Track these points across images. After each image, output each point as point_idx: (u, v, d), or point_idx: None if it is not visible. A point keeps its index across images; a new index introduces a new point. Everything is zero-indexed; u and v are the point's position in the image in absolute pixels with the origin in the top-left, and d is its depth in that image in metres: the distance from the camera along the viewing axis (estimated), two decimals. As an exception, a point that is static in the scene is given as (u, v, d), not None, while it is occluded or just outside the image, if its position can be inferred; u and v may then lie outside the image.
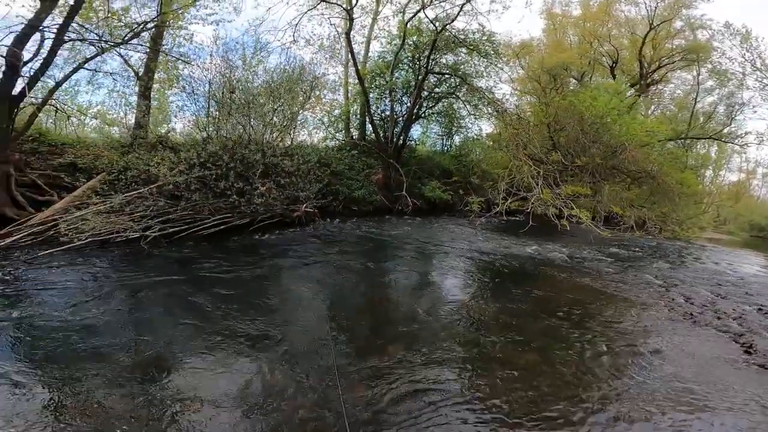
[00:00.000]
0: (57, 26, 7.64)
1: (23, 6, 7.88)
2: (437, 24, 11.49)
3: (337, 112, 13.52)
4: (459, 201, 11.96)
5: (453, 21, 11.45)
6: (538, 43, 17.49)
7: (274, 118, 9.79)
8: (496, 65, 13.12)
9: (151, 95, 10.74)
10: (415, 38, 12.50)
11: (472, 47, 12.25)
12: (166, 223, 6.64)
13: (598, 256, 7.51)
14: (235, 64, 10.09)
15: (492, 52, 12.46)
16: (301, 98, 11.02)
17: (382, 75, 13.25)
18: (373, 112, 12.98)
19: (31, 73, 7.42)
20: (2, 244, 5.46)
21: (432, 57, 11.99)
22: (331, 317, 4.08)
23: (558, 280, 5.88)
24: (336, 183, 10.29)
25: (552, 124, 12.97)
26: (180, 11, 10.76)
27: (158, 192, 6.86)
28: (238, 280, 4.95)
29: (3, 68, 7.25)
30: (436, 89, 13.70)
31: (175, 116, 10.96)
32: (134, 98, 11.53)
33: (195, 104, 10.05)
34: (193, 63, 10.37)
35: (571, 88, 16.03)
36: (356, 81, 12.22)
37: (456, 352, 3.35)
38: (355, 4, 12.05)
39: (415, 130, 16.25)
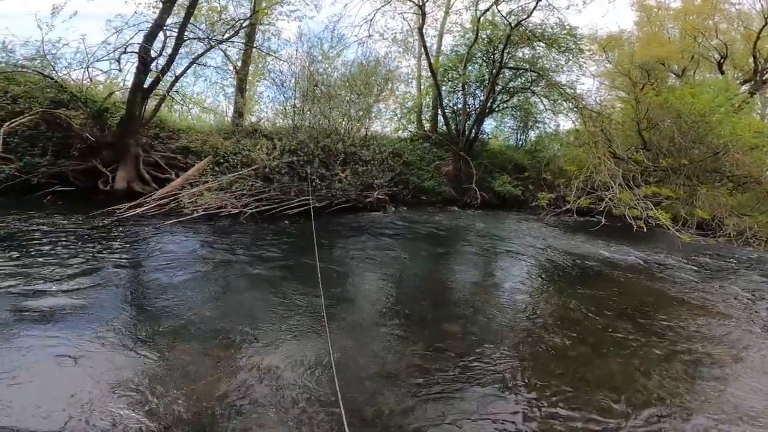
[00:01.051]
0: (177, 26, 8.91)
1: (146, 6, 9.17)
2: (512, 18, 11.20)
3: (409, 104, 13.82)
4: (530, 197, 11.67)
5: (528, 17, 11.09)
6: (629, 36, 16.09)
7: (352, 109, 10.39)
8: (577, 59, 12.43)
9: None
10: (488, 32, 12.29)
11: (550, 41, 11.75)
12: (259, 201, 7.52)
13: (681, 263, 6.96)
14: (316, 58, 10.88)
15: (573, 47, 11.83)
16: (376, 90, 11.50)
17: (454, 68, 13.24)
18: (445, 105, 13.06)
19: (158, 68, 8.76)
20: (133, 213, 6.65)
21: (506, 51, 11.73)
22: (391, 294, 4.47)
23: (628, 282, 5.64)
24: (407, 173, 10.65)
25: (642, 122, 12.02)
26: (268, 9, 11.82)
27: (255, 174, 7.76)
28: (314, 257, 5.54)
29: (136, 64, 8.65)
30: (511, 83, 13.35)
31: (266, 106, 12.05)
32: (230, 89, 12.95)
33: (283, 95, 11.03)
34: (280, 57, 11.35)
35: (670, 83, 14.57)
36: (429, 74, 12.38)
37: (507, 338, 3.49)
38: (427, 0, 12.15)
39: (488, 124, 15.99)
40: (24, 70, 8.17)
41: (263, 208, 7.49)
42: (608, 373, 3.04)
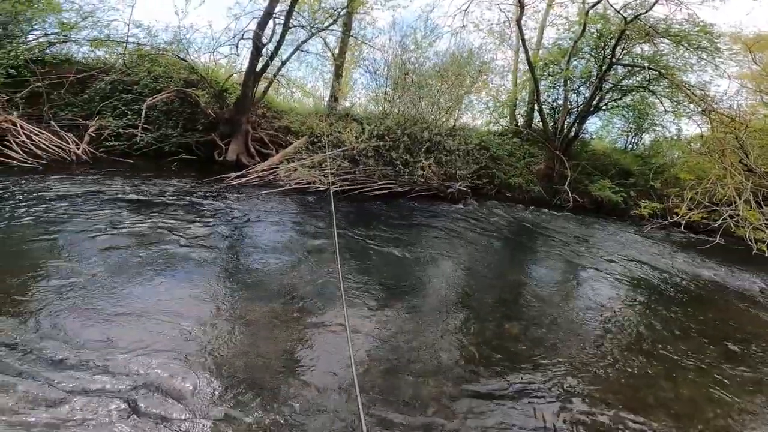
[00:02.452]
0: (284, 14, 9.67)
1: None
2: (628, 13, 9.88)
3: (503, 97, 13.17)
4: (632, 205, 10.38)
5: (648, 11, 9.69)
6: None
7: (441, 99, 10.27)
8: (713, 59, 10.52)
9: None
10: (599, 26, 11.03)
11: (678, 38, 10.12)
12: (345, 181, 7.92)
13: None
14: (409, 47, 10.90)
15: (708, 45, 10.06)
16: (468, 81, 11.18)
17: (556, 63, 12.21)
18: (542, 100, 12.16)
19: (268, 53, 9.63)
20: (239, 182, 7.49)
21: (620, 47, 10.44)
22: (457, 284, 4.42)
23: (729, 308, 4.79)
24: (493, 167, 10.24)
25: None
26: None
27: (343, 155, 8.17)
28: (389, 240, 5.68)
29: (251, 49, 9.62)
30: (625, 81, 11.88)
31: (359, 92, 12.51)
32: (328, 75, 13.71)
33: (375, 82, 11.34)
34: (374, 46, 11.63)
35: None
36: (526, 67, 11.61)
37: (570, 347, 3.24)
38: None
39: (592, 123, 14.52)
40: (165, 53, 9.68)
41: (347, 187, 7.88)
42: (673, 398, 2.73)
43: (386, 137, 8.37)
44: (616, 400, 2.64)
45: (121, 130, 7.94)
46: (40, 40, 9.40)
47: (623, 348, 3.41)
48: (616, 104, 12.81)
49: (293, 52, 10.76)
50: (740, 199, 7.68)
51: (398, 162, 8.23)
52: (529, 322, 3.70)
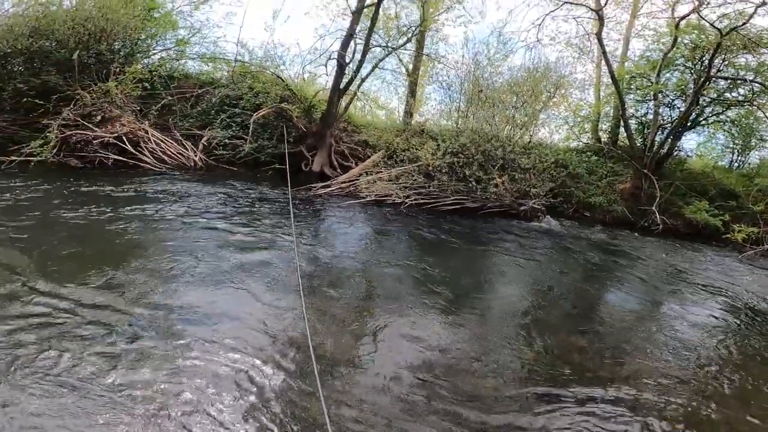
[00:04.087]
0: (364, 34, 10.36)
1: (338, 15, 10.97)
2: (724, 24, 8.93)
3: (584, 112, 12.60)
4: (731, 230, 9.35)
5: (746, 23, 8.69)
6: None
7: (516, 115, 10.18)
8: None
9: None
10: (692, 37, 10.10)
11: None
12: (419, 195, 8.28)
13: None
14: (481, 62, 10.95)
15: None
16: (544, 96, 10.93)
17: (644, 76, 11.41)
18: (629, 115, 11.42)
19: (350, 71, 10.38)
20: (324, 191, 8.20)
21: (719, 58, 9.48)
22: (525, 296, 4.57)
23: None
24: (571, 185, 9.89)
25: None
26: (436, 16, 12.45)
27: (418, 170, 8.54)
28: (461, 251, 5.93)
29: (335, 67, 10.44)
30: (727, 94, 10.72)
31: (432, 107, 12.84)
32: (402, 89, 14.26)
33: (448, 98, 11.57)
34: (447, 62, 11.87)
35: None
36: (610, 81, 11.01)
37: (641, 369, 3.18)
38: (605, 5, 10.69)
39: (690, 140, 13.28)
40: (264, 70, 10.89)
41: (422, 201, 8.23)
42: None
43: (460, 154, 8.57)
44: (681, 418, 2.62)
45: (227, 141, 9.15)
46: (162, 55, 11.15)
47: (699, 371, 3.30)
48: (717, 119, 11.61)
49: (372, 70, 11.44)
50: None
51: (471, 179, 8.39)
52: (598, 337, 3.72)
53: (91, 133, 7.88)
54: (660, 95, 11.19)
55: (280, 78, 10.36)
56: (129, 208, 5.46)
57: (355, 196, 8.08)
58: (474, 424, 2.35)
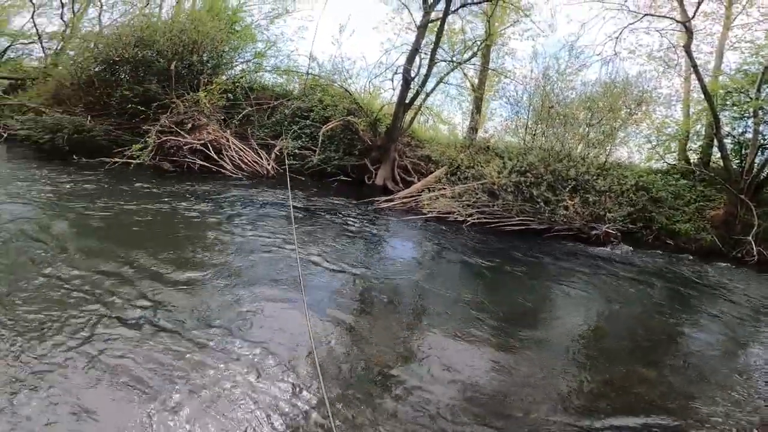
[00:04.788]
0: (428, 48, 10.44)
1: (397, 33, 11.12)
2: None
3: (670, 130, 11.51)
4: None
5: None
6: None
7: (591, 133, 9.57)
8: None
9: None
10: None
11: None
12: (482, 213, 8.06)
13: None
14: (552, 77, 10.43)
15: None
16: (623, 113, 10.16)
17: (742, 91, 10.17)
18: (724, 134, 10.23)
19: (415, 86, 10.49)
20: (386, 205, 8.29)
21: None
22: (591, 324, 4.28)
23: None
24: (653, 210, 9.05)
25: None
26: (501, 30, 12.13)
27: (482, 188, 8.34)
28: (523, 274, 5.66)
29: (401, 82, 10.61)
30: None
31: (498, 123, 12.52)
32: (465, 104, 14.09)
33: (516, 114, 11.19)
34: (514, 77, 11.50)
35: None
36: (700, 96, 9.95)
37: (721, 404, 2.84)
38: (693, 17, 9.61)
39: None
40: (332, 84, 11.37)
41: (484, 220, 8.00)
42: None
43: (528, 173, 8.23)
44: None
45: (297, 151, 9.66)
46: (243, 67, 12.05)
47: None
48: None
49: (437, 84, 11.47)
50: None
51: (539, 199, 8.00)
52: (671, 370, 3.36)
53: (182, 140, 8.74)
54: (760, 112, 9.92)
55: (348, 91, 10.76)
56: (210, 207, 5.99)
57: (416, 211, 8.08)
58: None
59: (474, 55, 11.76)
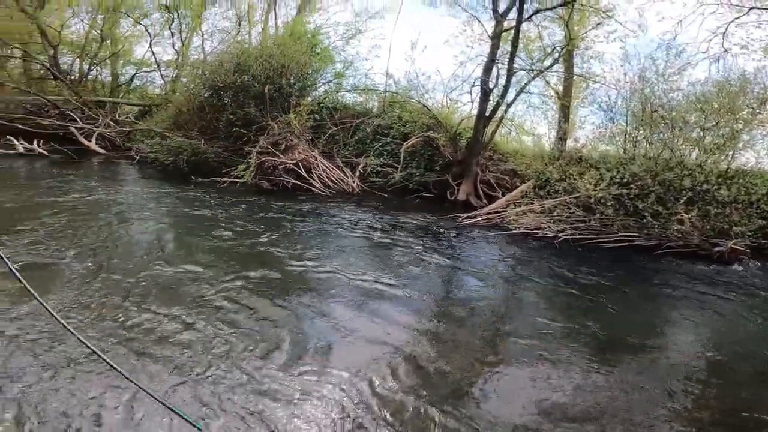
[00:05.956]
0: (505, 57, 10.11)
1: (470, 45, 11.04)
2: None
3: (811, 129, 9.64)
4: None
5: None
6: None
7: (707, 137, 8.41)
8: None
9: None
10: None
11: None
12: (576, 229, 7.49)
13: None
14: (650, 80, 9.37)
15: None
16: (745, 113, 8.77)
17: None
18: None
19: (495, 97, 10.24)
20: (470, 222, 8.12)
21: None
22: (709, 351, 3.70)
23: None
24: (797, 224, 7.60)
25: None
26: (583, 34, 11.21)
27: (575, 202, 7.77)
28: (624, 294, 5.11)
29: (479, 94, 10.42)
30: None
31: (590, 132, 11.63)
32: (550, 113, 13.33)
33: (610, 121, 10.28)
34: (603, 80, 10.58)
35: None
36: None
37: None
38: None
39: None
40: (410, 100, 11.60)
41: (579, 236, 7.41)
42: None
43: (631, 185, 7.49)
44: None
45: (379, 168, 9.98)
46: (324, 88, 12.78)
47: None
48: None
49: (518, 94, 11.04)
50: None
51: (646, 213, 7.21)
52: None
53: (277, 160, 9.57)
54: None
55: (426, 107, 10.87)
56: (304, 221, 6.45)
57: (501, 227, 7.78)
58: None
59: (556, 61, 11.14)
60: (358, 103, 12.65)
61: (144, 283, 3.86)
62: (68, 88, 14.78)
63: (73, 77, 16.24)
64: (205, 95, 11.45)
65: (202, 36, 17.23)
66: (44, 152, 11.96)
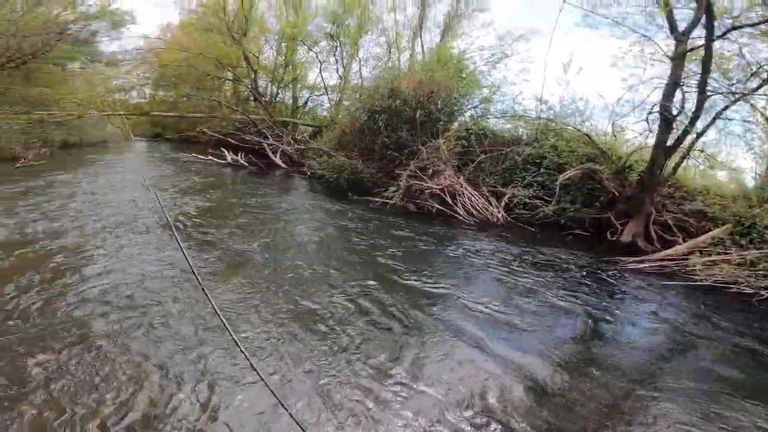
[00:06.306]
0: (696, 82, 8.35)
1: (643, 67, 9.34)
2: None
3: None
4: None
5: None
6: None
7: None
8: None
9: None
10: None
11: None
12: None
13: None
14: None
15: None
16: None
17: None
18: None
19: (680, 126, 8.64)
20: (636, 267, 7.02)
21: None
22: None
23: None
24: None
25: None
26: None
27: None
28: None
29: (658, 122, 8.93)
30: None
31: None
32: (758, 144, 10.51)
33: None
34: None
35: None
36: None
37: None
38: None
39: None
40: (566, 126, 10.71)
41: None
42: None
43: None
44: None
45: (527, 200, 9.49)
46: (471, 113, 12.67)
47: None
48: None
49: (713, 121, 9.08)
50: None
51: None
52: None
53: (425, 184, 10.05)
54: None
55: (587, 135, 9.89)
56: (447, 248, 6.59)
57: (679, 276, 6.50)
58: None
59: (765, 82, 8.75)
60: (506, 131, 12.23)
61: (291, 275, 5.03)
62: (264, 109, 18.38)
63: (266, 99, 20.02)
64: (364, 119, 12.54)
65: (359, 62, 19.10)
66: (244, 163, 15.23)
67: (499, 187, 10.21)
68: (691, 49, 8.57)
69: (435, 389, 3.13)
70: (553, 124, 11.08)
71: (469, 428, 2.76)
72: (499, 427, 2.80)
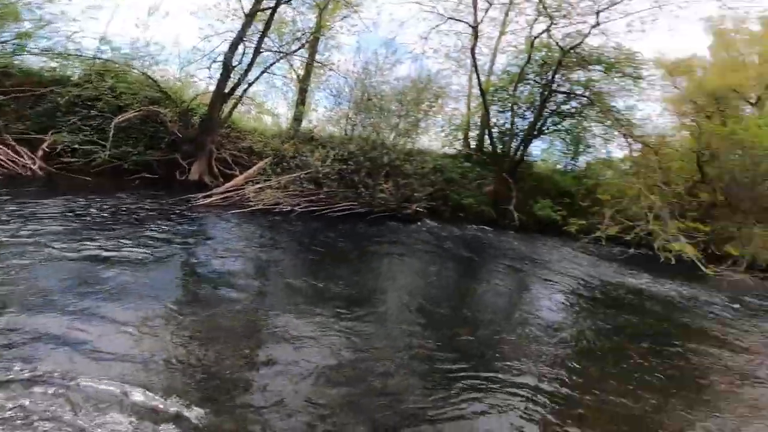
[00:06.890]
0: (254, 38, 10.07)
1: (221, 20, 10.54)
2: (566, 42, 11.33)
3: (457, 121, 14.17)
4: (568, 223, 11.57)
5: (581, 43, 11.22)
6: (701, 61, 15.23)
7: (401, 123, 10.98)
8: (638, 84, 12.26)
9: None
10: (542, 54, 12.43)
11: (608, 66, 11.73)
12: (310, 202, 8.32)
13: (715, 299, 6.86)
14: (371, 72, 11.47)
15: (632, 72, 11.72)
16: (425, 105, 11.98)
17: (504, 89, 13.47)
18: (492, 124, 13.31)
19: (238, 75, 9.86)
20: (206, 201, 7.62)
21: (559, 74, 11.85)
22: (413, 294, 5.15)
23: (651, 311, 5.86)
24: (447, 189, 11.02)
25: (703, 153, 11.74)
26: (331, 23, 12.73)
27: (307, 177, 8.57)
28: (352, 255, 6.35)
29: (221, 70, 9.80)
30: (564, 106, 13.34)
31: (322, 114, 12.87)
32: (290, 94, 14.06)
33: (338, 105, 11.82)
34: (338, 70, 12.13)
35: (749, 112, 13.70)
36: (478, 93, 12.70)
37: (518, 349, 3.85)
38: (481, 21, 12.38)
39: (537, 147, 15.95)
40: (129, 69, 9.65)
41: (312, 208, 8.28)
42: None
43: (349, 161, 8.89)
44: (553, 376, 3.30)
45: (77, 146, 7.83)
46: None
47: (557, 345, 4.06)
48: (556, 128, 14.27)
49: (261, 74, 11.01)
50: (650, 215, 9.32)
51: (360, 185, 8.76)
52: (481, 325, 4.31)
53: None
54: (515, 107, 13.25)
55: (151, 78, 9.31)
56: None
57: (240, 205, 7.70)
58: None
59: (302, 46, 11.66)
60: (48, 69, 9.46)
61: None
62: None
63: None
64: None
65: None
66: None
67: (34, 134, 7.79)
68: (263, 9, 9.59)
69: None
70: (115, 66, 9.56)
71: None
72: None
